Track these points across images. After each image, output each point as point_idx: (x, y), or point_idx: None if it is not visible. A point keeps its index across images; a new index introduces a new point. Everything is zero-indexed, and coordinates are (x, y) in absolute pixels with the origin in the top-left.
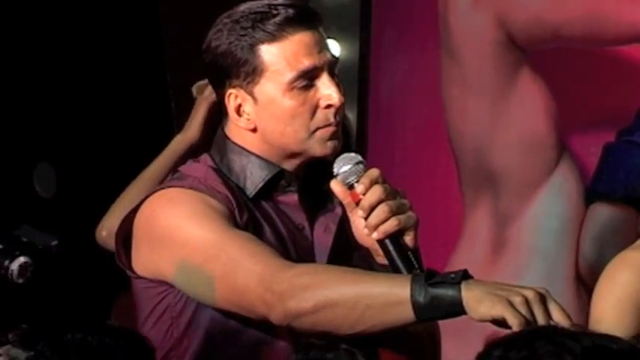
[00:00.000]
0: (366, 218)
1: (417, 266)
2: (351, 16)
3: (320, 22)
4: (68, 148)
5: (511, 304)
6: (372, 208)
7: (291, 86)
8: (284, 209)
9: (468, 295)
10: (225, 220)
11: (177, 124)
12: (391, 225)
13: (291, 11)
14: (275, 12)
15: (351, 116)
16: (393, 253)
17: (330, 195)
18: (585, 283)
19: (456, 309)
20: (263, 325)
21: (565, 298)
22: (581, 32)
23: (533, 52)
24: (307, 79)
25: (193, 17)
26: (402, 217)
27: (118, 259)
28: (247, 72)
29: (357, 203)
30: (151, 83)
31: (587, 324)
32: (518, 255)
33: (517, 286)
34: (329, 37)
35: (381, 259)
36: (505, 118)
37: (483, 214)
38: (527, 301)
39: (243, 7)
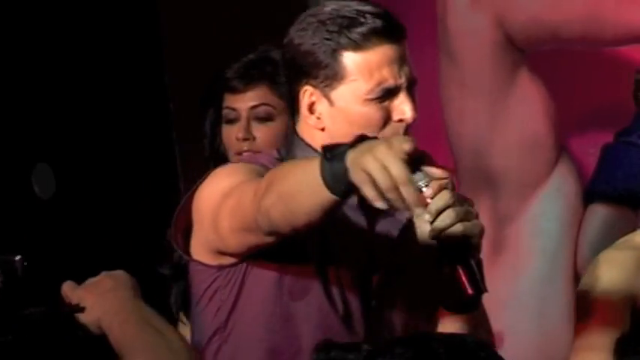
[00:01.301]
0: (432, 223)
1: (477, 274)
2: None
3: (405, 36)
4: (67, 149)
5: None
6: (439, 213)
7: (369, 97)
8: (342, 209)
9: (349, 162)
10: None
11: (177, 126)
12: (456, 230)
13: (378, 22)
14: (362, 20)
15: None
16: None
17: None
18: None
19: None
20: (307, 317)
21: (565, 299)
22: (580, 33)
23: (532, 52)
24: (386, 93)
25: (193, 18)
26: (467, 224)
27: (174, 243)
28: (327, 75)
29: (425, 207)
30: (149, 84)
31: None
32: (517, 255)
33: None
34: None
35: None
36: (504, 119)
37: (482, 214)
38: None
39: (330, 7)
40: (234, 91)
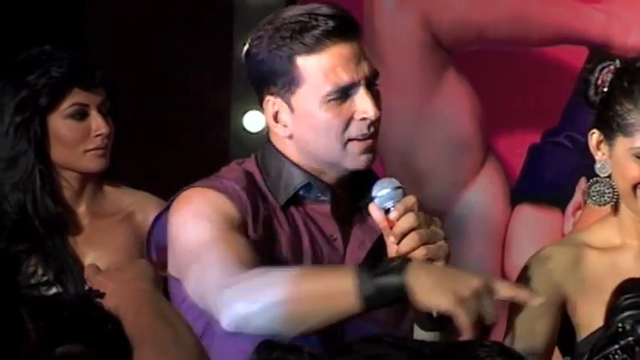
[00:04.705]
0: (397, 245)
1: None
2: None
3: (359, 34)
4: None
5: (462, 301)
6: (404, 236)
7: (327, 99)
8: (315, 218)
9: (416, 283)
10: (227, 223)
11: None
12: (419, 254)
13: (331, 23)
14: (314, 23)
15: None
16: None
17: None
18: None
19: (402, 295)
20: None
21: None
22: (506, 33)
23: (458, 53)
24: (344, 92)
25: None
26: (431, 247)
27: (147, 256)
28: (284, 82)
29: (391, 229)
30: None
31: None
32: None
33: (463, 272)
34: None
35: None
36: (431, 120)
37: None
38: (477, 294)
39: (286, 13)
40: None
